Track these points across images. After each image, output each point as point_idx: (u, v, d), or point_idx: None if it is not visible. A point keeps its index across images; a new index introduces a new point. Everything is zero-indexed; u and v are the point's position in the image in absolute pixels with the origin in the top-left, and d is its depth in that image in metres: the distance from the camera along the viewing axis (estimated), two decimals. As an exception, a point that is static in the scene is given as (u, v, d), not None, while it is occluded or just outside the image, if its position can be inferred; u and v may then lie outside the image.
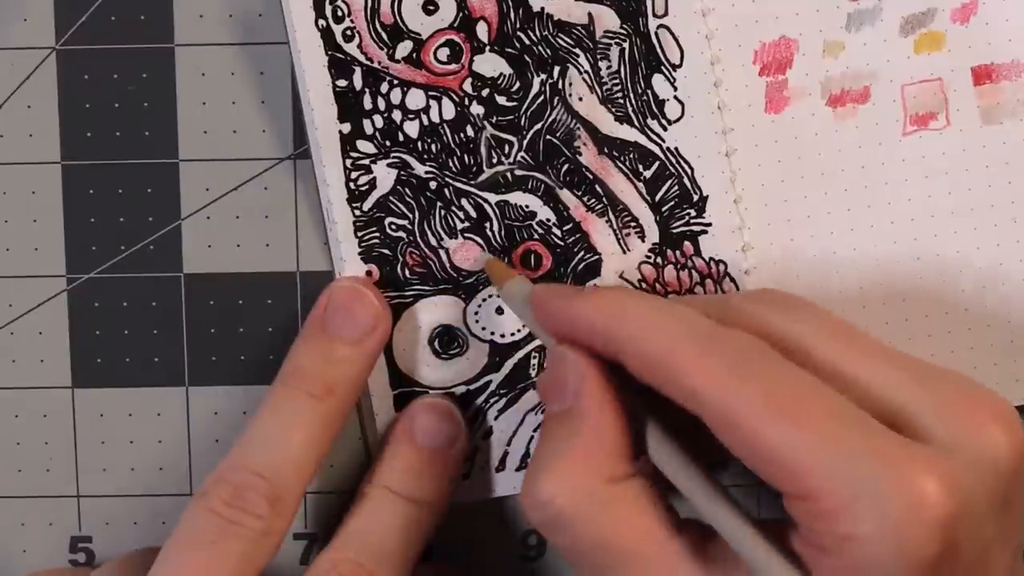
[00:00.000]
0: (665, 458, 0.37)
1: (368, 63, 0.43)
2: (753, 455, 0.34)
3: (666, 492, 0.38)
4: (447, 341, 0.44)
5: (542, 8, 0.42)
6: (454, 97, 0.43)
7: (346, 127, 0.43)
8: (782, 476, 0.33)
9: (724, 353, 0.35)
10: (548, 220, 0.43)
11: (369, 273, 0.43)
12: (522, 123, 0.43)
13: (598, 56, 0.43)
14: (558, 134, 0.43)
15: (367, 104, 0.43)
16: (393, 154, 0.43)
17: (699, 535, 0.37)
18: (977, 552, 0.33)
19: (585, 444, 0.37)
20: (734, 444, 0.34)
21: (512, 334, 0.44)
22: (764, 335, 0.36)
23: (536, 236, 0.43)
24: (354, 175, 0.43)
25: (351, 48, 0.42)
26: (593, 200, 0.43)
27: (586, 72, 0.43)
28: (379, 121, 0.43)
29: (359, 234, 0.43)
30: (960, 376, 0.36)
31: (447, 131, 0.43)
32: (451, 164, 0.43)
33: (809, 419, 0.33)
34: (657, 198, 0.43)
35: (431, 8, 0.42)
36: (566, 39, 0.43)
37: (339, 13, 0.42)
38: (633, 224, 0.43)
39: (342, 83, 0.43)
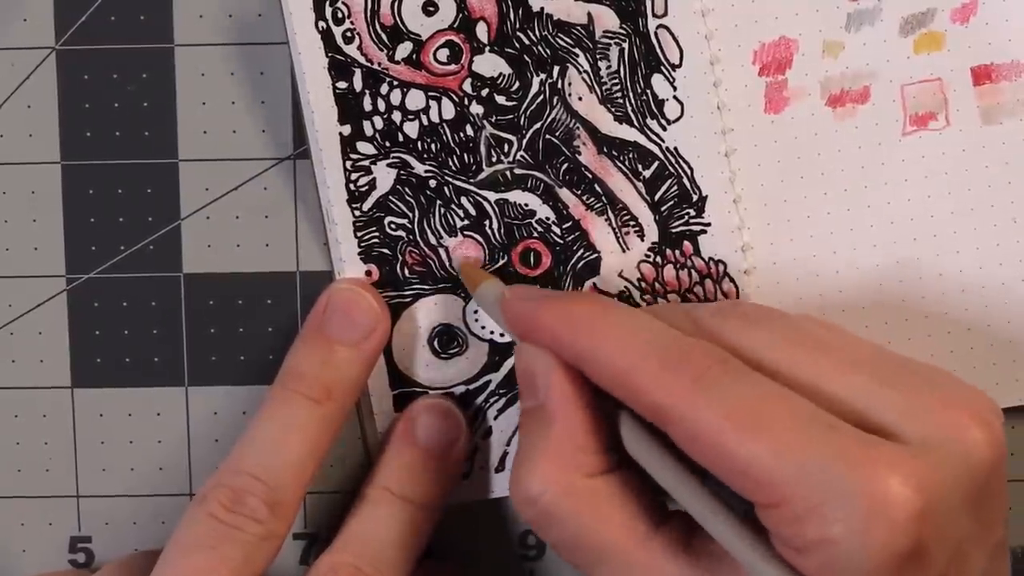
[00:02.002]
0: (639, 449, 0.37)
1: (368, 64, 0.43)
2: (719, 468, 0.34)
3: (653, 487, 0.38)
4: (446, 340, 0.44)
5: (542, 8, 0.42)
6: (454, 97, 0.43)
7: (346, 129, 0.43)
8: (749, 487, 0.33)
9: (685, 367, 0.35)
10: (547, 218, 0.43)
11: (369, 273, 0.43)
12: (521, 122, 0.43)
13: (598, 56, 0.43)
14: (557, 133, 0.43)
15: (367, 106, 0.43)
16: (393, 154, 0.43)
17: (684, 529, 0.37)
18: (950, 549, 0.33)
19: (558, 440, 0.37)
20: (701, 457, 0.34)
21: (512, 333, 0.44)
22: (728, 347, 0.36)
23: (536, 234, 0.43)
24: (354, 176, 0.43)
25: (351, 50, 0.42)
26: (592, 199, 0.43)
27: (585, 72, 0.43)
28: (379, 122, 0.43)
29: (359, 234, 0.43)
30: (942, 374, 0.36)
31: (447, 131, 0.43)
32: (451, 163, 0.43)
33: (771, 428, 0.33)
34: (656, 197, 0.43)
35: (431, 9, 0.42)
36: (566, 39, 0.43)
37: (339, 15, 0.42)
38: (632, 223, 0.43)
39: (342, 85, 0.43)
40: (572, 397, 0.37)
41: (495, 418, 0.44)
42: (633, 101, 0.43)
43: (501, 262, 0.43)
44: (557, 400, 0.37)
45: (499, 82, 0.43)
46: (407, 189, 0.43)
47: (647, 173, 0.43)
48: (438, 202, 0.43)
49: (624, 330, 0.36)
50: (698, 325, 0.38)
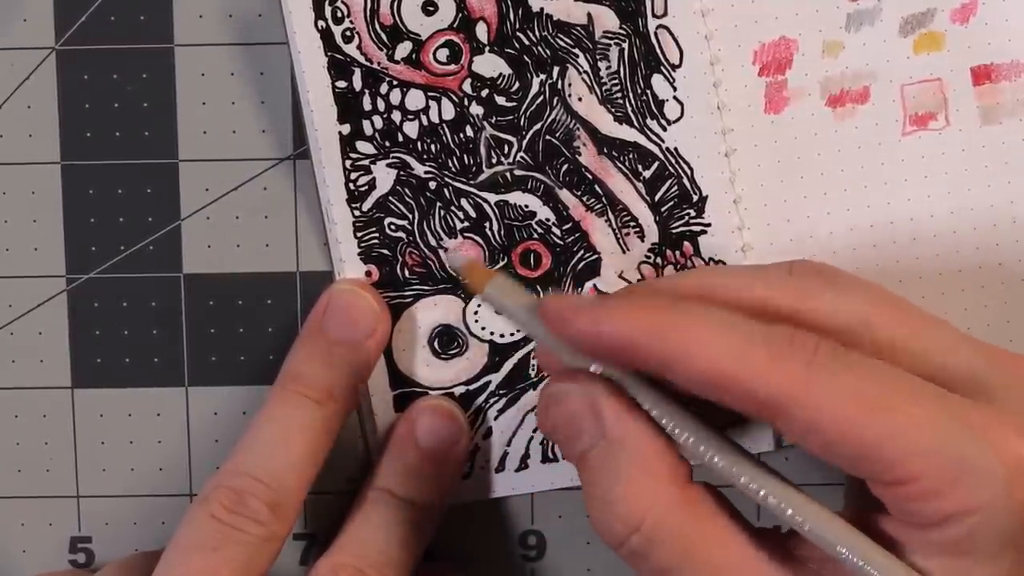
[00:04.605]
0: (722, 461, 0.35)
1: (368, 64, 0.43)
2: (841, 452, 0.33)
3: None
4: (447, 341, 0.44)
5: (541, 8, 0.42)
6: (453, 97, 0.43)
7: (345, 128, 0.43)
8: (879, 467, 0.33)
9: (795, 354, 0.33)
10: (547, 220, 0.43)
11: (369, 273, 0.43)
12: (521, 123, 0.43)
13: (597, 56, 0.43)
14: (557, 134, 0.43)
15: (367, 105, 0.43)
16: (393, 154, 0.43)
17: (776, 538, 0.36)
18: None
19: (641, 460, 0.35)
20: (819, 444, 0.33)
21: (512, 334, 0.44)
22: (820, 311, 0.35)
23: (536, 236, 0.43)
24: (353, 176, 0.43)
25: (351, 49, 0.42)
26: (592, 200, 0.43)
27: (585, 72, 0.43)
28: (378, 122, 0.43)
29: (359, 234, 0.43)
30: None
31: (446, 131, 0.43)
32: (451, 164, 0.43)
33: (897, 406, 0.33)
34: (656, 198, 0.43)
35: (430, 9, 0.42)
36: (565, 39, 0.43)
37: (339, 14, 0.42)
38: (632, 224, 0.43)
39: (342, 84, 0.43)
40: (634, 416, 0.35)
41: (495, 418, 0.44)
42: (633, 101, 0.43)
43: (501, 263, 0.43)
44: (621, 423, 0.35)
45: (499, 82, 0.43)
46: (407, 190, 0.43)
47: (647, 174, 0.43)
48: (438, 204, 0.43)
49: (717, 325, 0.34)
50: (777, 286, 0.36)
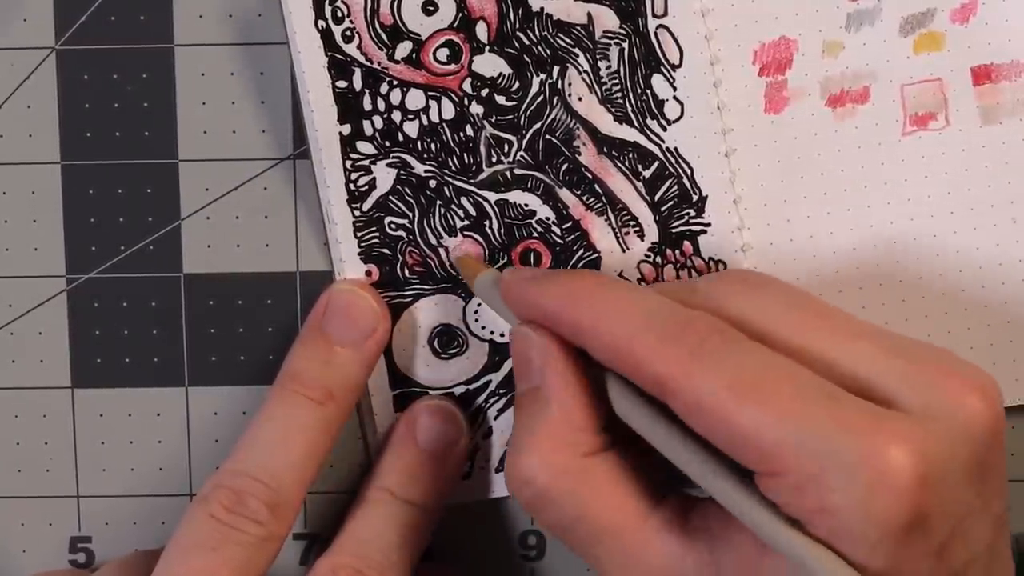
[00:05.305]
0: (629, 412, 0.37)
1: (368, 64, 0.43)
2: (720, 437, 0.34)
3: (643, 465, 0.38)
4: (447, 341, 0.44)
5: (541, 8, 0.42)
6: (454, 97, 0.43)
7: (346, 128, 0.43)
8: (750, 456, 0.33)
9: (684, 337, 0.35)
10: (547, 219, 0.43)
11: (369, 273, 0.43)
12: (521, 123, 0.43)
13: (597, 56, 0.43)
14: (557, 134, 0.43)
15: (367, 105, 0.43)
16: (393, 154, 0.43)
17: (681, 508, 0.37)
18: (952, 520, 0.33)
19: (555, 421, 0.37)
20: (701, 427, 0.34)
21: (512, 333, 0.44)
22: (729, 316, 0.36)
23: (536, 234, 0.43)
24: (354, 176, 0.43)
25: (351, 49, 0.42)
26: (592, 199, 0.43)
27: (585, 72, 0.43)
28: (379, 122, 0.43)
29: (359, 234, 0.43)
30: (940, 349, 0.36)
31: (447, 131, 0.43)
32: (451, 163, 0.43)
33: (772, 397, 0.33)
34: (656, 198, 0.43)
35: (430, 8, 0.42)
36: (565, 39, 0.43)
37: (339, 14, 0.42)
38: (632, 223, 0.43)
39: (342, 84, 0.43)
40: (568, 378, 0.37)
41: (495, 418, 0.44)
42: (633, 101, 0.43)
43: (501, 262, 0.43)
44: (553, 381, 0.37)
45: (499, 82, 0.43)
46: (407, 189, 0.43)
47: (647, 173, 0.43)
48: (438, 202, 0.43)
49: (624, 302, 0.36)
50: (695, 295, 0.38)
